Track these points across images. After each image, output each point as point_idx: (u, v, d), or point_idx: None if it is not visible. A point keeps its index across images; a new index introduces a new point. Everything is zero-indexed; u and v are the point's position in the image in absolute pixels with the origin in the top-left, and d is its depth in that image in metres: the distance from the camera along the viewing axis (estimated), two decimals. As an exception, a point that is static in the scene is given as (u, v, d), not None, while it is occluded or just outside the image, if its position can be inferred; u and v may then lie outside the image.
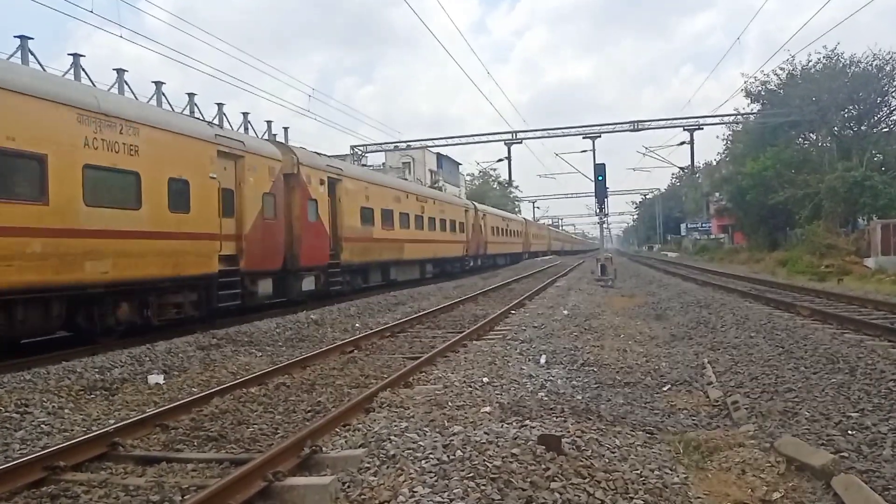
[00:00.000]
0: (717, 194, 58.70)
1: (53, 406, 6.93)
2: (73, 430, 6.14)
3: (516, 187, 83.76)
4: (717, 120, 43.67)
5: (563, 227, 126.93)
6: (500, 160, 54.98)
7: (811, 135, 42.82)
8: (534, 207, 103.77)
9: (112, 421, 6.33)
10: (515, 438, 4.72)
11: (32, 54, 19.99)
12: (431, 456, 4.47)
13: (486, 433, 4.87)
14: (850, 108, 39.43)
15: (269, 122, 30.78)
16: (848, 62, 38.36)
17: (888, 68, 37.23)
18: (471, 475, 4.09)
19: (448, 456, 4.44)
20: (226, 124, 25.55)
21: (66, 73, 20.76)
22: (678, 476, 4.58)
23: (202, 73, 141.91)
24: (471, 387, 7.11)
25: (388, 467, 4.43)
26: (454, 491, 3.90)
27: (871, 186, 32.23)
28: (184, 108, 24.29)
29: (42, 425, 6.25)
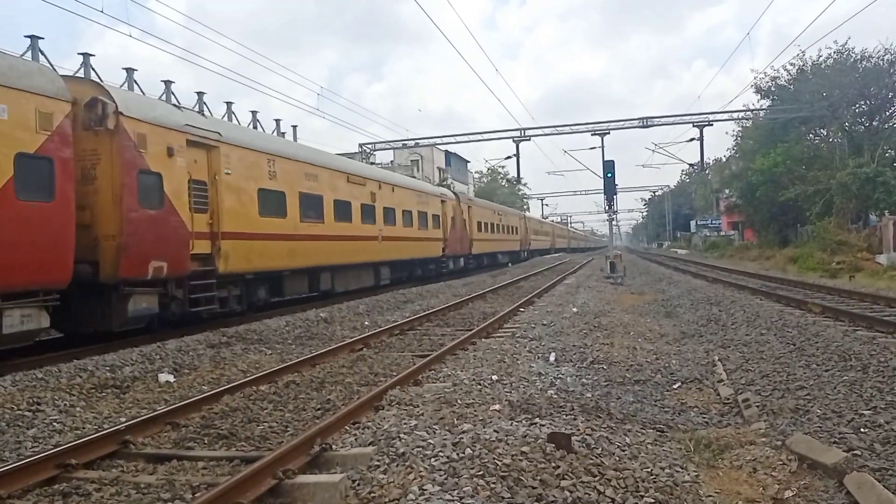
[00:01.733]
0: (726, 191, 58.38)
1: (65, 404, 6.97)
2: (84, 428, 6.18)
3: (525, 185, 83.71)
4: (726, 116, 43.42)
5: (572, 225, 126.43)
6: (508, 157, 55.03)
7: (822, 131, 42.52)
8: (542, 205, 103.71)
9: (123, 419, 6.36)
10: (525, 436, 4.71)
11: (43, 54, 20.11)
12: (441, 454, 4.47)
13: (495, 431, 4.86)
14: (861, 103, 39.08)
15: (277, 121, 30.89)
16: (859, 57, 38.03)
17: (901, 63, 36.90)
18: (480, 473, 4.08)
19: (458, 454, 4.43)
20: (234, 122, 25.58)
21: (77, 71, 20.87)
22: (689, 474, 4.57)
23: (213, 72, 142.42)
24: (480, 385, 7.10)
25: (397, 465, 4.43)
26: (464, 489, 3.89)
27: (882, 182, 31.96)
28: (193, 107, 24.38)
29: (54, 423, 6.29)
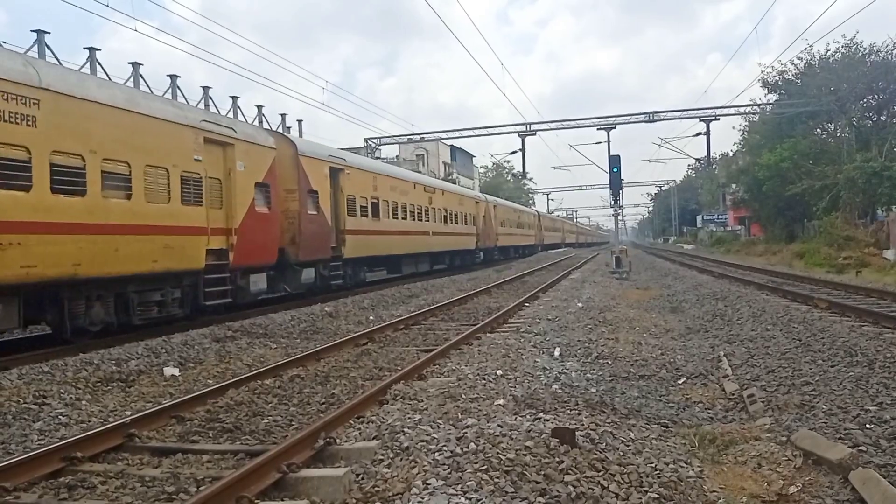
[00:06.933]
0: (733, 186, 58.13)
1: (71, 397, 7.01)
2: (90, 422, 6.20)
3: (530, 179, 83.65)
4: (733, 110, 43.15)
5: (577, 219, 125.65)
6: (513, 152, 54.90)
7: (829, 125, 42.21)
8: (548, 199, 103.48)
9: (128, 412, 6.39)
10: (529, 431, 4.71)
11: (49, 48, 20.13)
12: (445, 448, 4.47)
13: (499, 426, 4.86)
14: (869, 97, 38.80)
15: (283, 115, 30.84)
16: (867, 51, 37.74)
17: (909, 57, 36.61)
18: (484, 468, 4.08)
19: (461, 448, 4.43)
20: (240, 117, 25.57)
21: (82, 66, 20.89)
22: (693, 469, 4.56)
23: (225, 69, 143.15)
24: (484, 379, 7.10)
25: (401, 459, 4.43)
26: (467, 483, 3.89)
27: (889, 177, 31.74)
28: (198, 102, 24.39)
29: (60, 416, 6.31)
